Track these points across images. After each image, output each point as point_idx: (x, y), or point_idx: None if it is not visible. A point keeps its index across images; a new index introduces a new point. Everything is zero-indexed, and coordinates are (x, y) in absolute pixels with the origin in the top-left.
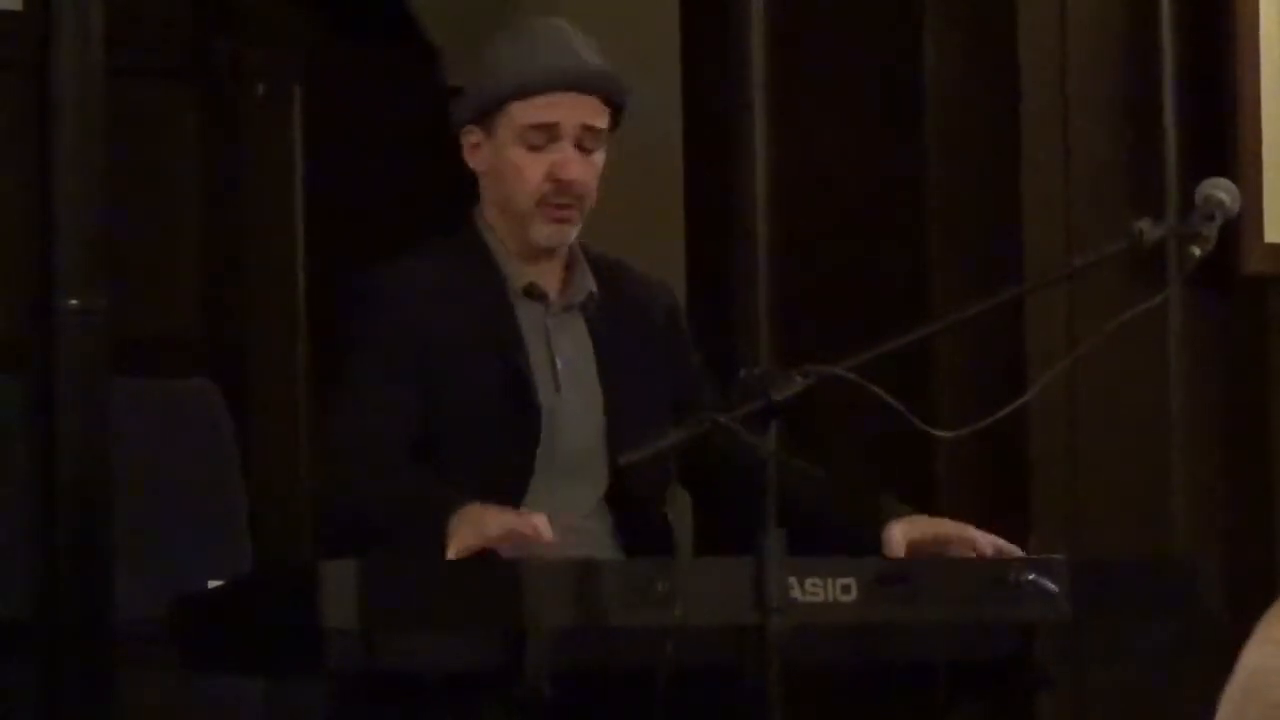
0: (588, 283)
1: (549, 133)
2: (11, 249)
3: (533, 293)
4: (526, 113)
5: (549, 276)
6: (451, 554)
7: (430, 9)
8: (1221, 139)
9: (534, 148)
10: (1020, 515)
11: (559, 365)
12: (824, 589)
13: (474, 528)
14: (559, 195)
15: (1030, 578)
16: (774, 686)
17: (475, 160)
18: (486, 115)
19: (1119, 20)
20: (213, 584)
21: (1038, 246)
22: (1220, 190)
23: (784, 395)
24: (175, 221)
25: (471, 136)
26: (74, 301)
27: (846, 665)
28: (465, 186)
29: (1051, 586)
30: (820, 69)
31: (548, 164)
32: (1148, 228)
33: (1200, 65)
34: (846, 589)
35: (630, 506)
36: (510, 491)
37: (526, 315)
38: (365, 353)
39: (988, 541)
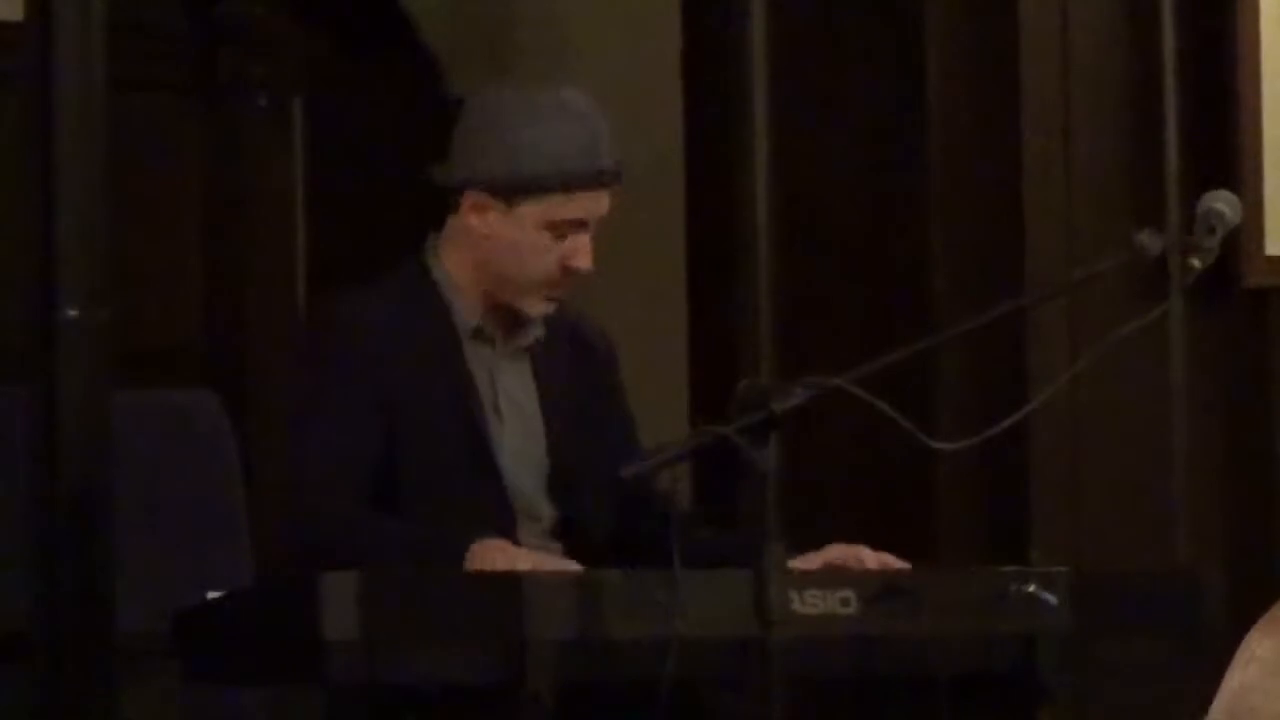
0: (535, 328)
1: (577, 225)
2: (12, 260)
3: (480, 335)
4: (563, 208)
5: (497, 321)
6: None
7: (432, 20)
8: (1223, 151)
9: (559, 236)
10: (1021, 528)
11: (503, 408)
12: (824, 601)
13: (508, 565)
14: (566, 278)
15: (1031, 590)
16: (775, 699)
17: (477, 222)
18: (514, 190)
19: (1121, 32)
20: (214, 595)
21: (1039, 259)
22: (1221, 202)
23: (785, 407)
24: (177, 233)
25: (478, 199)
26: (75, 313)
27: (847, 677)
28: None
29: (1052, 599)
30: (822, 79)
31: (563, 251)
32: (1149, 240)
33: (1202, 78)
34: (846, 601)
35: (578, 549)
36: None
37: (474, 357)
38: (328, 386)
39: (874, 559)
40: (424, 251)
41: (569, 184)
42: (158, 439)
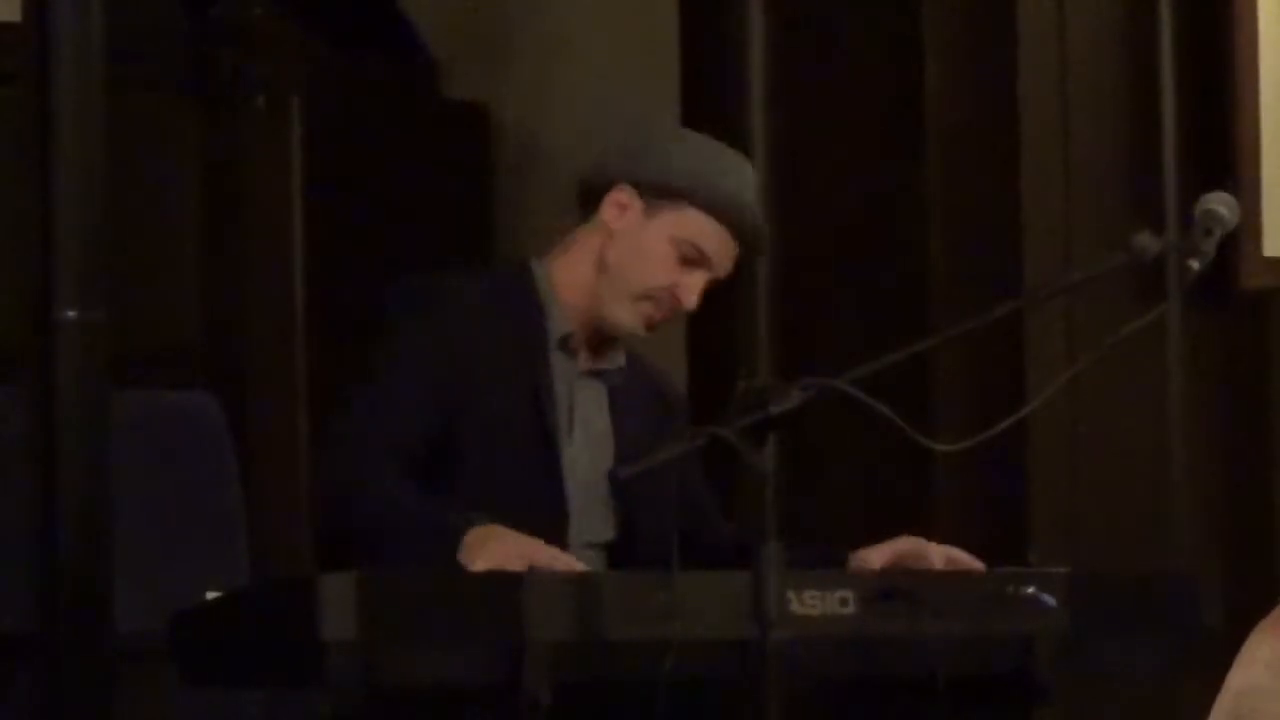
0: (619, 357)
1: (701, 257)
2: (10, 260)
3: (566, 345)
4: (699, 228)
5: (586, 336)
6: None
7: (431, 20)
8: (1222, 152)
9: (682, 261)
10: (1020, 529)
11: (576, 423)
12: (822, 602)
13: (499, 553)
14: (665, 307)
15: (1029, 591)
16: (773, 699)
17: (613, 216)
18: (661, 193)
19: (1118, 34)
20: (211, 596)
21: (1037, 260)
22: (1219, 204)
23: (783, 408)
24: (174, 234)
25: (624, 194)
26: (72, 313)
27: (845, 678)
28: (465, 202)
29: (1050, 600)
30: (821, 79)
31: (679, 277)
32: (1147, 242)
33: (1200, 79)
34: (844, 601)
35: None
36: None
37: (557, 365)
38: (400, 354)
39: (941, 554)
40: (531, 255)
41: (713, 204)
42: (157, 439)
